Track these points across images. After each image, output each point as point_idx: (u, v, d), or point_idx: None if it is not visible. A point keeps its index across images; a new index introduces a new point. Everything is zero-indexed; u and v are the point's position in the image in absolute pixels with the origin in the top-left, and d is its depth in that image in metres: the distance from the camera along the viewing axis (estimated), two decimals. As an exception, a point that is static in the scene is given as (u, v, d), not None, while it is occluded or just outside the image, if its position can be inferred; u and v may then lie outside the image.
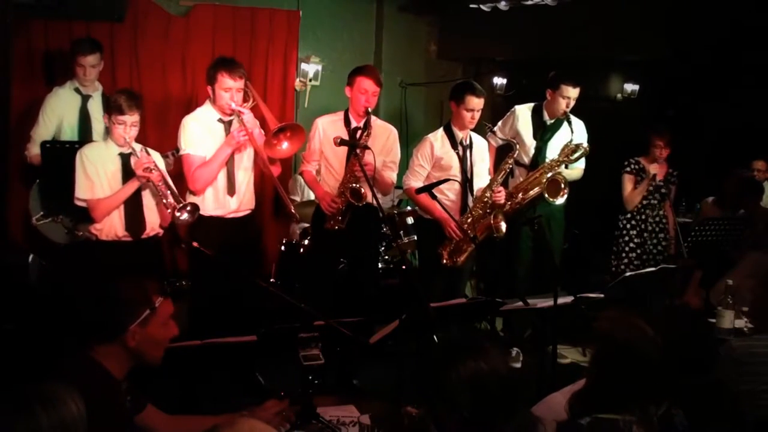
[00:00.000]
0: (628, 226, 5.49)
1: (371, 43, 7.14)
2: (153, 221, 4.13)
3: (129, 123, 3.94)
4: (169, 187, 4.02)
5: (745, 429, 2.47)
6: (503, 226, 4.59)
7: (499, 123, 5.23)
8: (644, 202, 5.44)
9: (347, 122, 4.49)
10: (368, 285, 4.69)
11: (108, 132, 4.07)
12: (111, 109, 3.97)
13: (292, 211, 4.69)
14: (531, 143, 5.07)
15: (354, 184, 4.30)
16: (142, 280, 2.38)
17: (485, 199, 4.62)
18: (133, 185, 3.99)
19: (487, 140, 5.04)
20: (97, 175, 3.98)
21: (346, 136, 4.37)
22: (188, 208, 3.97)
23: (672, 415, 2.28)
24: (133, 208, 4.04)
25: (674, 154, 5.63)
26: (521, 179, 5.01)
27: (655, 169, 5.37)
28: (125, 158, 4.02)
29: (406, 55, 7.23)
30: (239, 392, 3.65)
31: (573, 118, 4.95)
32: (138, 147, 3.98)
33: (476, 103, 4.58)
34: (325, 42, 6.72)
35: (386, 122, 4.73)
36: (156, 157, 4.10)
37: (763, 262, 4.83)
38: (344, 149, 4.35)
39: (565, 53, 6.48)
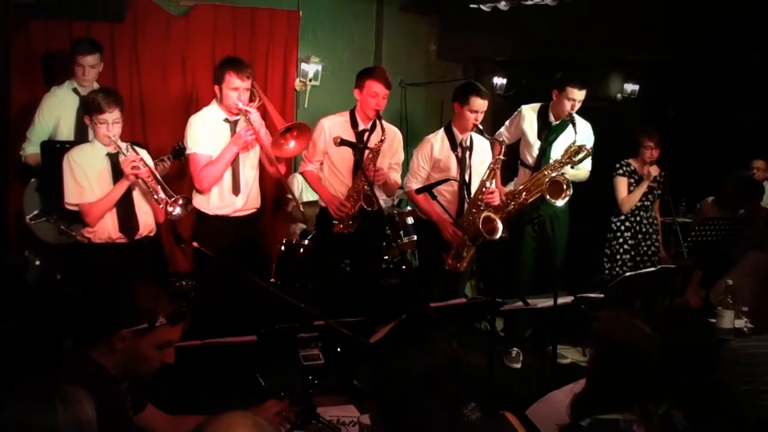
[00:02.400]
0: (622, 228, 5.45)
1: (371, 43, 7.13)
2: (146, 221, 4.09)
3: (111, 121, 3.85)
4: (159, 182, 3.96)
5: (745, 429, 2.47)
6: (498, 229, 4.51)
7: (506, 123, 5.23)
8: (638, 204, 5.42)
9: (354, 124, 4.48)
10: (369, 286, 4.69)
11: (92, 133, 3.99)
12: (90, 109, 3.88)
13: (301, 209, 4.65)
14: (536, 143, 5.06)
15: (367, 189, 4.29)
16: (157, 294, 2.32)
17: (478, 202, 4.61)
18: (123, 185, 3.92)
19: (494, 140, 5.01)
20: (86, 178, 3.91)
21: (352, 138, 4.35)
22: (180, 202, 3.93)
23: (672, 415, 2.29)
24: (125, 209, 4.00)
25: (674, 155, 5.62)
26: (525, 180, 5.00)
27: (656, 171, 5.36)
28: (113, 158, 3.94)
29: (406, 55, 7.23)
30: (239, 392, 3.65)
31: (579, 120, 4.93)
32: (124, 145, 3.91)
33: (480, 104, 4.56)
34: (325, 42, 6.71)
35: (389, 123, 4.71)
36: (143, 153, 4.04)
37: (763, 262, 4.84)
38: (350, 151, 4.34)
39: (565, 53, 6.47)
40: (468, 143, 4.73)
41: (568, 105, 4.88)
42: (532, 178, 4.90)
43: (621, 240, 5.44)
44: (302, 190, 5.87)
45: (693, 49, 6.12)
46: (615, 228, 5.47)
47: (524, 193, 4.86)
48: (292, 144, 4.35)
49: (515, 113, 5.20)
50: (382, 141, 4.33)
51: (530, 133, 5.08)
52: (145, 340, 2.27)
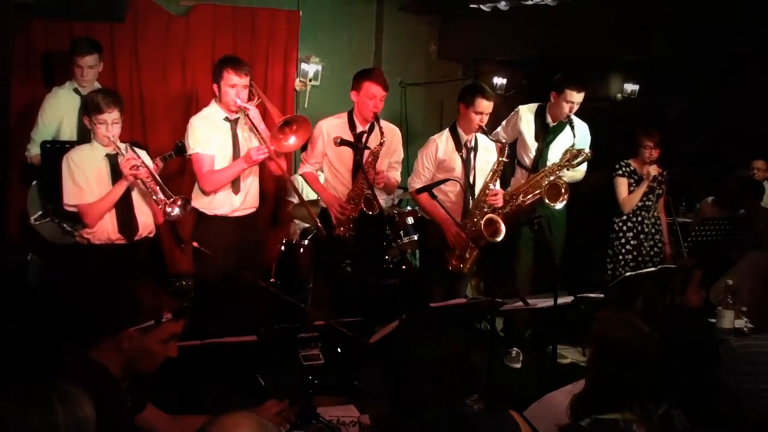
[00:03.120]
0: (624, 228, 5.44)
1: (371, 43, 7.13)
2: (145, 222, 4.09)
3: (110, 121, 3.85)
4: (158, 183, 3.95)
5: (745, 429, 2.47)
6: (502, 231, 4.50)
7: (503, 123, 5.23)
8: (639, 203, 5.41)
9: (352, 126, 4.48)
10: (369, 286, 4.69)
11: (92, 134, 3.98)
12: (89, 110, 3.87)
13: (309, 208, 4.62)
14: (533, 144, 5.05)
15: (367, 192, 4.28)
16: (159, 291, 2.38)
17: (481, 204, 4.61)
18: (122, 186, 3.91)
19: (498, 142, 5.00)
20: (86, 179, 3.90)
21: (351, 140, 4.35)
22: (179, 203, 3.93)
23: (672, 415, 2.29)
24: (124, 210, 3.99)
25: (674, 155, 5.62)
26: (522, 181, 4.99)
27: (655, 171, 5.34)
28: (113, 159, 3.93)
29: (406, 55, 7.23)
30: (239, 392, 3.66)
31: (576, 121, 4.91)
32: (123, 146, 3.91)
33: (486, 106, 4.55)
34: (325, 42, 6.71)
35: (387, 122, 4.71)
36: (142, 155, 4.04)
37: (763, 262, 4.84)
38: (349, 152, 4.34)
39: (565, 53, 6.47)
40: (473, 144, 4.72)
41: (566, 107, 4.87)
42: (530, 181, 4.89)
43: (623, 240, 5.43)
44: (302, 190, 5.88)
45: (693, 49, 6.12)
46: (617, 228, 5.46)
47: (521, 196, 4.85)
48: (292, 139, 4.34)
49: (512, 113, 5.20)
50: (381, 144, 4.33)
51: (527, 134, 5.07)
52: (151, 337, 2.32)
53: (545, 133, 5.03)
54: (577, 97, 4.85)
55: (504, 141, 4.92)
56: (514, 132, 5.14)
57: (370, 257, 4.69)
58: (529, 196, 4.84)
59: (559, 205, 4.82)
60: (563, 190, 4.78)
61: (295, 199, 5.86)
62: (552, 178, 4.79)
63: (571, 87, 4.82)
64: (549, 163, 4.90)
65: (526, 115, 5.10)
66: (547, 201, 4.78)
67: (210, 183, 4.28)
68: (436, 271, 4.72)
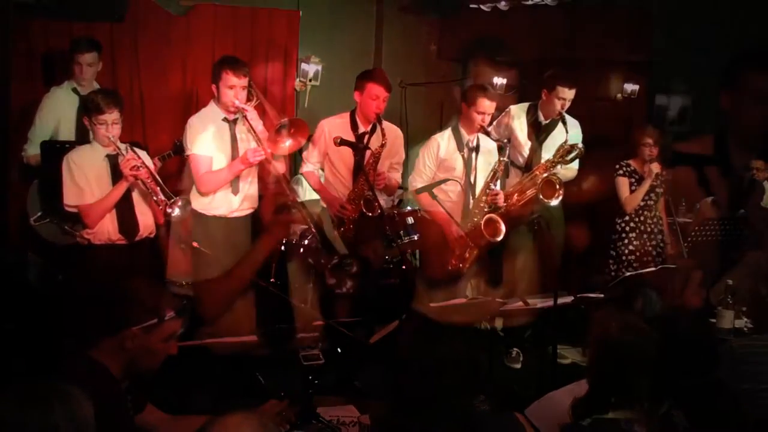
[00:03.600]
0: (627, 228, 5.43)
1: (371, 43, 7.13)
2: (146, 223, 4.08)
3: (110, 122, 3.84)
4: (158, 183, 3.95)
5: (745, 429, 2.47)
6: (501, 231, 4.52)
7: (494, 123, 5.23)
8: (642, 203, 5.41)
9: (354, 126, 4.48)
10: (369, 286, 4.69)
11: (91, 134, 3.98)
12: (89, 110, 3.86)
13: (304, 210, 4.62)
14: (526, 143, 5.06)
15: (368, 193, 4.28)
16: (160, 290, 2.42)
17: (481, 204, 4.60)
18: (122, 186, 3.91)
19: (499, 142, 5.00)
20: (86, 180, 3.90)
21: (352, 140, 4.35)
22: (179, 203, 3.93)
23: (672, 415, 2.29)
24: (125, 210, 3.99)
25: (674, 155, 5.61)
26: (516, 180, 4.99)
27: (657, 168, 5.34)
28: (113, 160, 3.93)
29: (406, 55, 7.23)
30: (239, 392, 3.66)
31: (568, 119, 4.91)
32: (123, 146, 3.90)
33: (488, 105, 4.56)
34: (325, 42, 6.71)
35: (389, 123, 4.70)
36: (142, 155, 4.03)
37: (763, 262, 4.84)
38: (350, 152, 4.34)
39: (565, 53, 6.48)
40: (474, 144, 4.72)
41: (558, 104, 4.87)
42: (524, 179, 4.89)
43: (626, 241, 5.41)
44: (305, 192, 5.87)
45: (693, 49, 6.12)
46: (620, 229, 5.44)
47: (516, 194, 4.85)
48: (288, 142, 4.32)
49: (503, 113, 5.20)
50: (382, 146, 4.32)
51: (520, 134, 5.08)
52: (154, 336, 2.33)
53: (538, 132, 5.04)
54: (568, 94, 4.85)
55: (505, 141, 4.92)
56: (506, 132, 5.14)
57: (369, 258, 4.68)
58: (525, 194, 4.84)
59: (554, 202, 4.82)
60: (558, 186, 4.78)
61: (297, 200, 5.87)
62: (546, 174, 4.79)
63: (562, 84, 4.83)
64: (543, 161, 4.90)
65: (518, 113, 5.11)
66: (542, 197, 4.78)
67: (207, 184, 4.26)
68: (435, 270, 4.71)
